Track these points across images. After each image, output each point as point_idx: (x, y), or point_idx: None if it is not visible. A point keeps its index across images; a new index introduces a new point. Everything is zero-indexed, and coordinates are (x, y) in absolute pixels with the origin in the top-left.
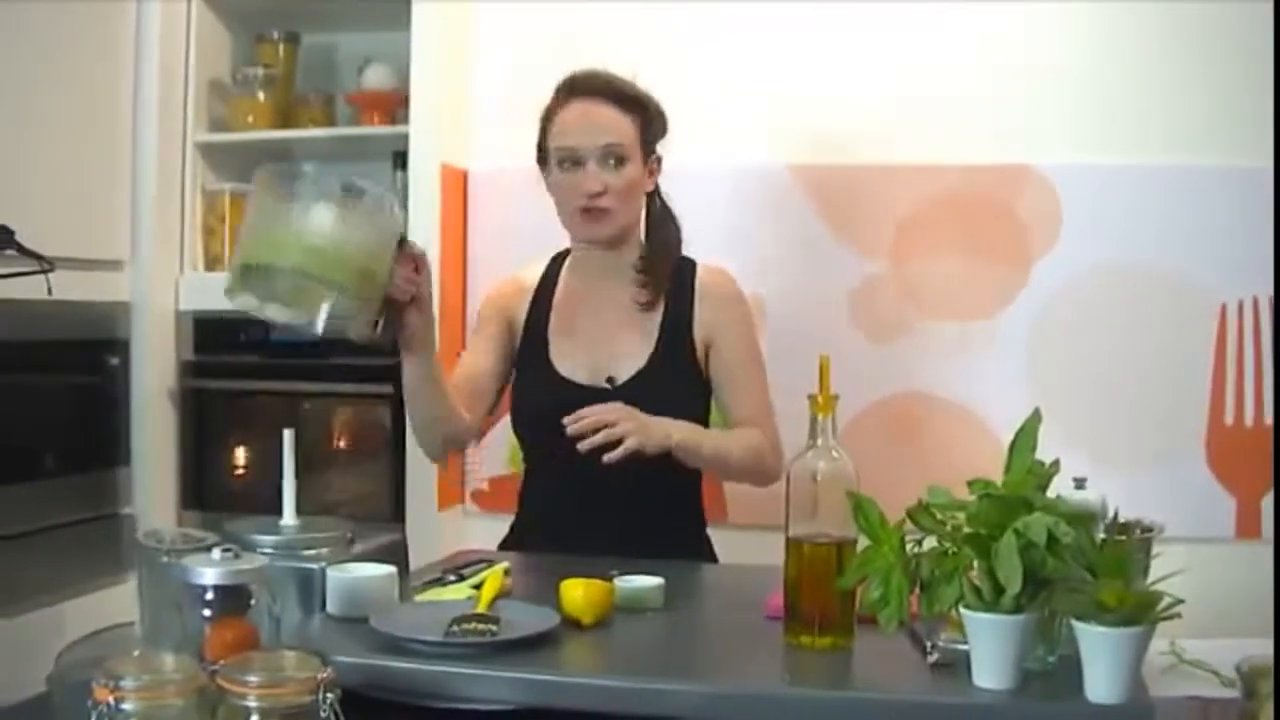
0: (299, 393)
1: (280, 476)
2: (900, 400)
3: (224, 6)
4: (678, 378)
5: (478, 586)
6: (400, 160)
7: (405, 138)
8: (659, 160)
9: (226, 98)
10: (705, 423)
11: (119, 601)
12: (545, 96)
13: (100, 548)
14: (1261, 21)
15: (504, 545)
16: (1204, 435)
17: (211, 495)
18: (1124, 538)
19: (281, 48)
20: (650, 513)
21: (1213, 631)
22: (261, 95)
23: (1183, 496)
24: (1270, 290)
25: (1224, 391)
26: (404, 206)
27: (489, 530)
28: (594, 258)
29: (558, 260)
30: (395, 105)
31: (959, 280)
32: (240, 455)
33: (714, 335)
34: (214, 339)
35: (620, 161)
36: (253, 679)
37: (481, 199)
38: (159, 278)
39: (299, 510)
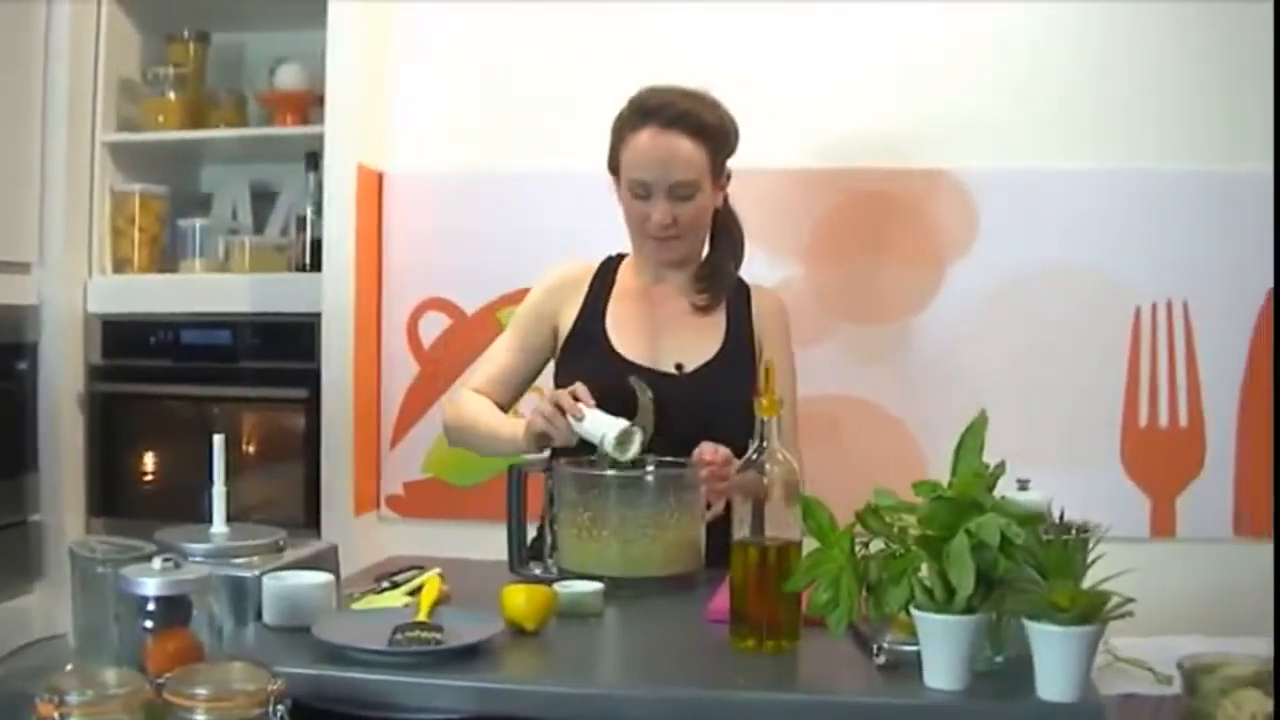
0: (210, 397)
1: (201, 481)
2: (817, 403)
3: (134, 5)
4: (742, 373)
5: (413, 593)
6: (313, 161)
7: (318, 138)
8: (729, 176)
9: (136, 98)
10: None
11: (28, 612)
12: (465, 97)
13: (8, 556)
14: (1179, 25)
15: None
16: (1119, 436)
17: (121, 501)
18: (1068, 537)
19: (192, 47)
20: None
21: (1134, 630)
22: (172, 95)
23: (1098, 497)
24: (1186, 295)
25: (1138, 393)
26: (317, 209)
27: (406, 535)
28: (635, 256)
29: (611, 262)
30: (308, 105)
31: (875, 284)
32: (150, 461)
33: (764, 342)
34: (123, 342)
35: (690, 195)
36: (201, 692)
37: (398, 202)
38: (67, 280)
39: (206, 515)
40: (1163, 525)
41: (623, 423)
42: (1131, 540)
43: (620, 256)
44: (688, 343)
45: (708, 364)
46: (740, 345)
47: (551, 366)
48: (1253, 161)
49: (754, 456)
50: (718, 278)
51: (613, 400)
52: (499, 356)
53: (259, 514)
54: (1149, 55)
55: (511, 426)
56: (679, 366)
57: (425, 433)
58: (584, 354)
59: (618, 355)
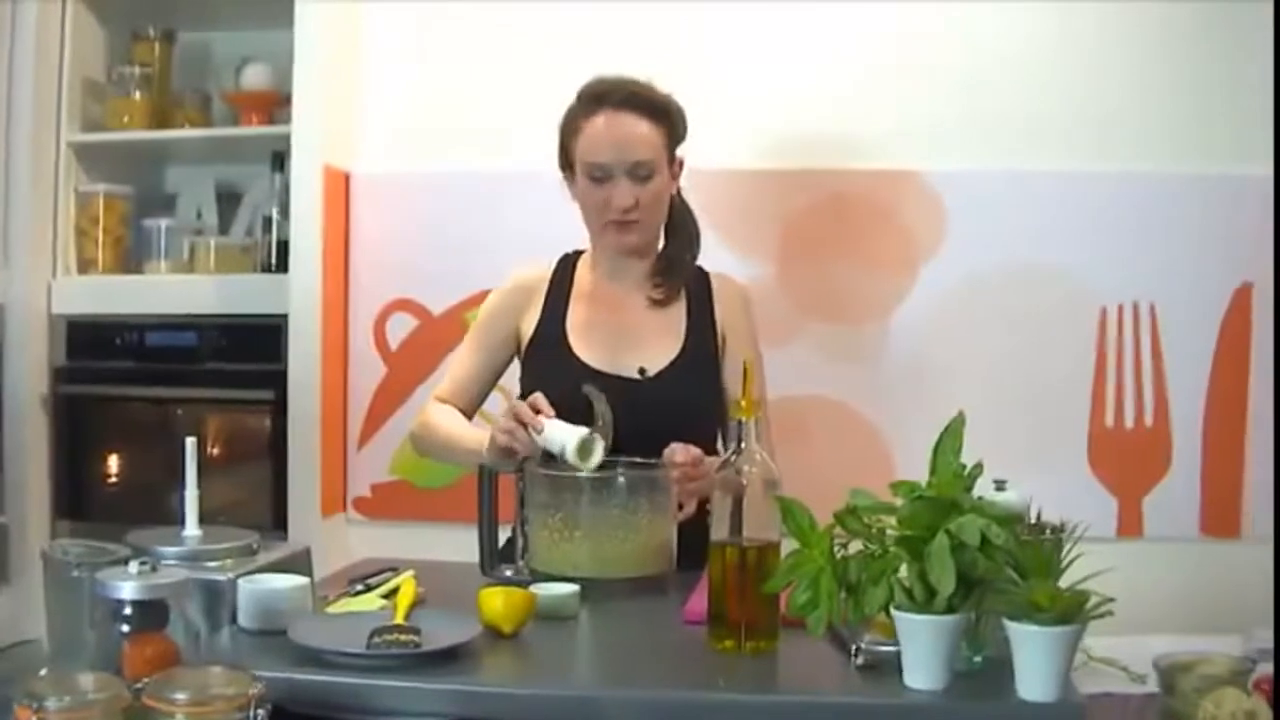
0: (175, 399)
1: (167, 483)
2: (787, 403)
3: (99, 4)
4: (706, 372)
5: (387, 596)
6: (279, 161)
7: (284, 138)
8: (681, 163)
9: (101, 97)
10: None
11: None
12: (431, 98)
13: None
14: (1145, 28)
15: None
16: (1086, 437)
17: (86, 504)
18: (1045, 537)
19: (157, 46)
20: None
21: (1103, 630)
22: (137, 95)
23: (1065, 497)
24: (1152, 296)
25: (1104, 394)
26: (283, 210)
27: (373, 537)
28: (592, 254)
29: (568, 260)
30: (274, 105)
31: (845, 284)
32: (115, 463)
33: (727, 334)
34: (88, 344)
35: (649, 175)
36: (181, 697)
37: (365, 203)
38: (31, 281)
39: (171, 518)
40: (1130, 525)
41: (583, 431)
42: (1099, 540)
43: (578, 253)
44: (650, 344)
45: (671, 365)
46: (703, 342)
47: (516, 366)
48: (1219, 164)
49: (731, 458)
50: (675, 270)
51: (577, 409)
52: (462, 361)
53: (225, 516)
54: (1115, 58)
55: (476, 438)
56: (642, 370)
57: (392, 434)
58: (546, 361)
59: (580, 362)
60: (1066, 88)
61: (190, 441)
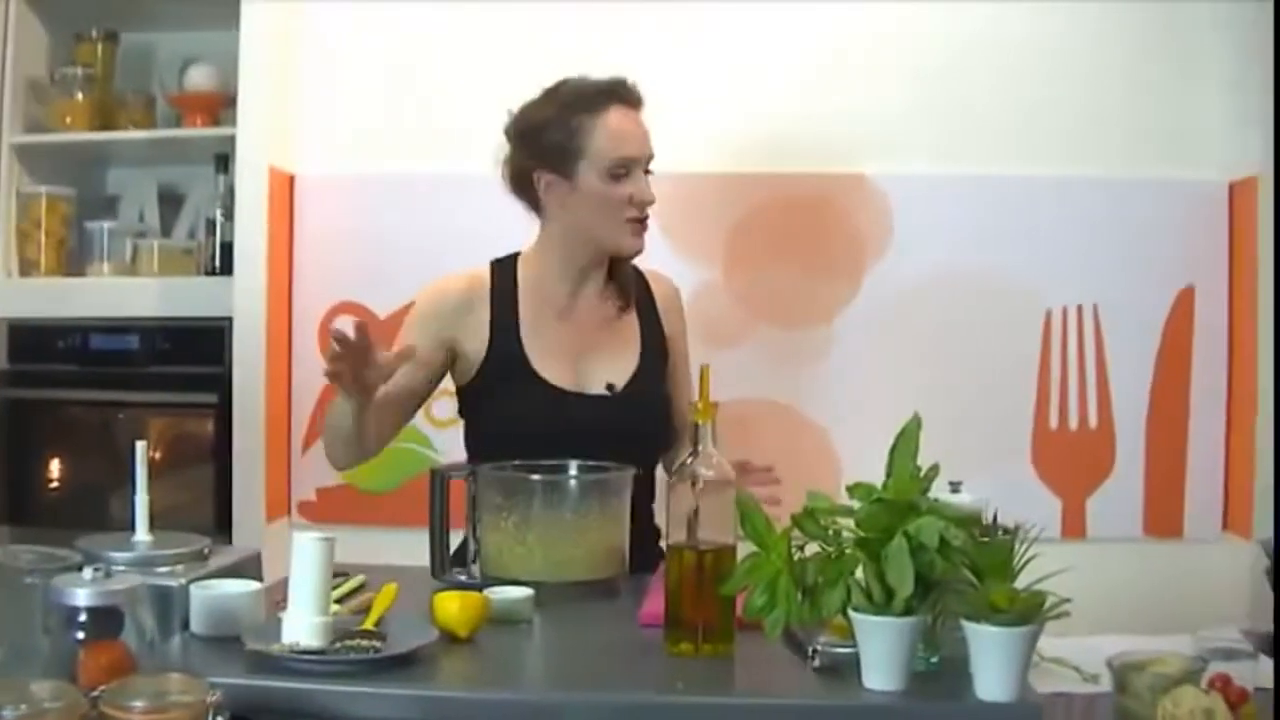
0: (118, 402)
1: (109, 487)
2: (736, 407)
3: (42, 5)
4: (663, 382)
5: (340, 601)
6: (223, 163)
7: (228, 140)
8: None
9: (44, 98)
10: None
11: None
12: (376, 99)
13: None
14: (1093, 32)
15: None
16: (1030, 438)
17: (27, 508)
18: (1004, 539)
19: (100, 47)
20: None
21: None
22: (80, 96)
23: (1010, 498)
24: (1095, 299)
25: (1049, 395)
26: (226, 212)
27: None
28: (559, 263)
29: (503, 266)
30: (218, 107)
31: (793, 287)
32: (56, 467)
33: (672, 338)
34: (29, 347)
35: (649, 173)
36: (138, 704)
37: (310, 204)
38: None
39: (114, 523)
40: (1074, 526)
41: None
42: (1043, 541)
43: (512, 259)
44: (611, 356)
45: (634, 379)
46: (656, 349)
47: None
48: (1163, 168)
49: (688, 460)
50: (626, 276)
51: (548, 432)
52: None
53: (168, 521)
54: (1062, 63)
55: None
56: (610, 386)
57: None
58: (508, 384)
59: (545, 383)
60: (1013, 92)
61: (140, 445)
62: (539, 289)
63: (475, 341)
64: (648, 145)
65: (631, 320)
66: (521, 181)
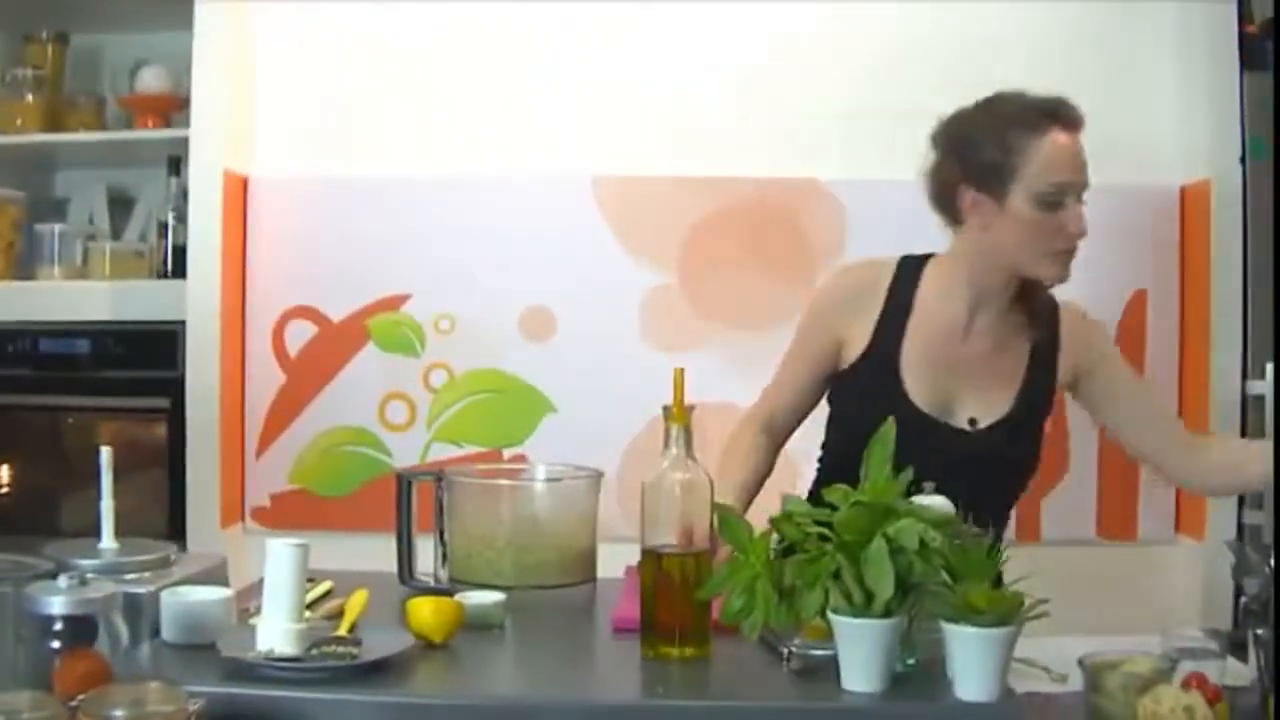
0: (69, 407)
1: (60, 493)
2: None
3: None
4: (1035, 425)
5: (310, 606)
6: (174, 165)
7: (181, 142)
8: None
9: None
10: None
11: None
12: (330, 102)
13: None
14: (1044, 33)
15: None
16: None
17: None
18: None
19: (50, 48)
20: None
21: None
22: (30, 97)
23: None
24: None
25: None
26: (179, 214)
27: None
28: (966, 277)
29: (912, 266)
30: (170, 108)
31: (747, 291)
32: (5, 473)
33: (1080, 379)
34: None
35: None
36: (118, 714)
37: (263, 208)
38: None
39: (65, 528)
40: (1028, 529)
41: None
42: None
43: (925, 259)
44: (985, 386)
45: (1004, 420)
46: (1040, 388)
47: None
48: (1117, 173)
49: (662, 464)
50: (1036, 301)
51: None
52: (785, 382)
53: (119, 527)
54: (1016, 65)
55: None
56: (972, 421)
57: (291, 443)
58: (873, 392)
59: (909, 402)
60: (969, 94)
61: (106, 451)
62: (931, 300)
63: (857, 338)
64: (1085, 172)
65: (1022, 353)
66: (945, 195)
